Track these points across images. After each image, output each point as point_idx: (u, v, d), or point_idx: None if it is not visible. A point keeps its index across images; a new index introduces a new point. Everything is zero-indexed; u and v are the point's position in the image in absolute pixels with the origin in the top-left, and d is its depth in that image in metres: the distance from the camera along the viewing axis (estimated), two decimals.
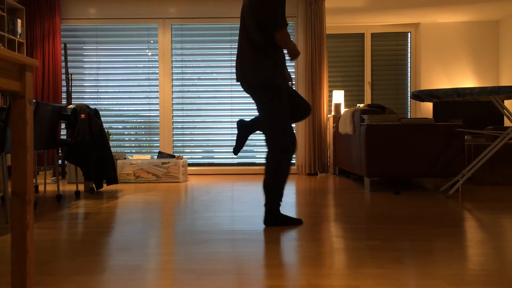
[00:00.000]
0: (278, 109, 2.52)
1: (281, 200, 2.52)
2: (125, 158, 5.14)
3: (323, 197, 3.59)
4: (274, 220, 2.49)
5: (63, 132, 5.97)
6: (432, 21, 6.48)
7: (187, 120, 6.10)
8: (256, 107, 2.77)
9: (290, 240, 2.10)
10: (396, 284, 1.45)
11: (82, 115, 3.80)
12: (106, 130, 5.79)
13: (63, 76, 5.99)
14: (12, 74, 1.19)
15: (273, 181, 2.49)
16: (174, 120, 6.09)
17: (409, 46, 6.58)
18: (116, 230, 2.36)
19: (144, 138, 6.10)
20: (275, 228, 2.39)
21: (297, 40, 5.96)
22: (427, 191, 3.92)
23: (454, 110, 6.14)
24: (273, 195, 2.49)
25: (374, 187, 4.20)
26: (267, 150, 2.56)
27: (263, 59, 2.52)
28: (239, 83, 2.74)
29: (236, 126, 2.59)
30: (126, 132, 6.11)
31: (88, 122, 3.83)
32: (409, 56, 6.57)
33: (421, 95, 3.67)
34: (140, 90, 6.09)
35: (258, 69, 2.52)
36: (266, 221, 2.49)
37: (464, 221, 2.51)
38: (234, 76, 6.09)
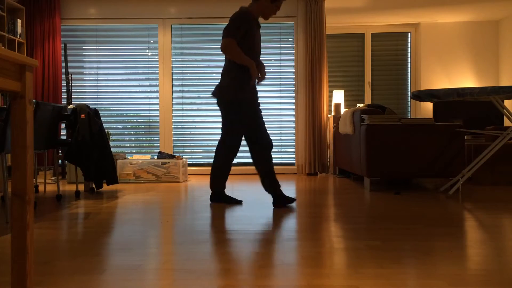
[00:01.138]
0: (238, 124, 3.15)
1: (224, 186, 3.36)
2: (125, 158, 5.14)
3: (323, 197, 3.59)
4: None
5: (63, 132, 5.97)
6: (432, 21, 6.48)
7: (187, 120, 6.10)
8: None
9: (290, 240, 2.10)
10: (396, 284, 1.45)
11: (82, 115, 3.80)
12: (106, 130, 5.79)
13: (63, 76, 5.99)
14: (12, 74, 1.19)
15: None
16: (174, 120, 6.09)
17: (409, 46, 6.58)
18: (116, 230, 2.36)
19: (144, 138, 6.10)
20: (275, 228, 2.38)
21: (297, 40, 5.96)
22: (427, 191, 3.92)
23: (454, 110, 6.14)
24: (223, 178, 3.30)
25: (374, 187, 4.20)
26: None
27: (229, 76, 3.08)
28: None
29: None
30: (126, 132, 6.11)
31: (88, 122, 3.83)
32: (409, 56, 6.57)
33: (421, 95, 3.67)
34: (140, 90, 6.09)
35: (223, 88, 3.11)
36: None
37: (464, 221, 2.51)
38: None
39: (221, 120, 3.23)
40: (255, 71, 3.01)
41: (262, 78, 3.12)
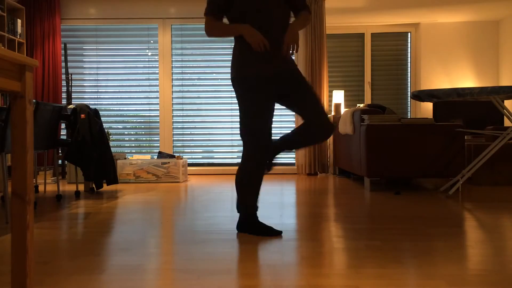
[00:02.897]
0: (242, 105, 2.24)
1: (254, 207, 2.27)
2: (125, 158, 5.14)
3: (323, 197, 3.59)
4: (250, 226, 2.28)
5: (63, 132, 5.97)
6: (432, 21, 6.48)
7: (187, 120, 6.10)
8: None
9: (290, 240, 2.10)
10: (396, 284, 1.45)
11: (82, 115, 3.80)
12: (106, 130, 5.79)
13: (63, 76, 5.99)
14: (12, 74, 1.19)
15: (240, 184, 2.26)
16: (174, 120, 6.09)
17: (409, 46, 6.58)
18: (116, 230, 2.36)
19: (144, 138, 6.10)
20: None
21: None
22: (427, 191, 3.92)
23: (454, 110, 6.13)
24: (242, 196, 2.26)
25: (374, 187, 4.20)
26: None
27: (234, 51, 2.32)
28: None
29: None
30: (126, 132, 6.11)
31: (88, 122, 3.83)
32: (409, 56, 6.57)
33: (421, 95, 3.67)
34: (140, 90, 6.09)
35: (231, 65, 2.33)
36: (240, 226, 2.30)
37: (464, 221, 2.51)
38: None
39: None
40: (252, 35, 2.12)
41: (287, 43, 2.26)
